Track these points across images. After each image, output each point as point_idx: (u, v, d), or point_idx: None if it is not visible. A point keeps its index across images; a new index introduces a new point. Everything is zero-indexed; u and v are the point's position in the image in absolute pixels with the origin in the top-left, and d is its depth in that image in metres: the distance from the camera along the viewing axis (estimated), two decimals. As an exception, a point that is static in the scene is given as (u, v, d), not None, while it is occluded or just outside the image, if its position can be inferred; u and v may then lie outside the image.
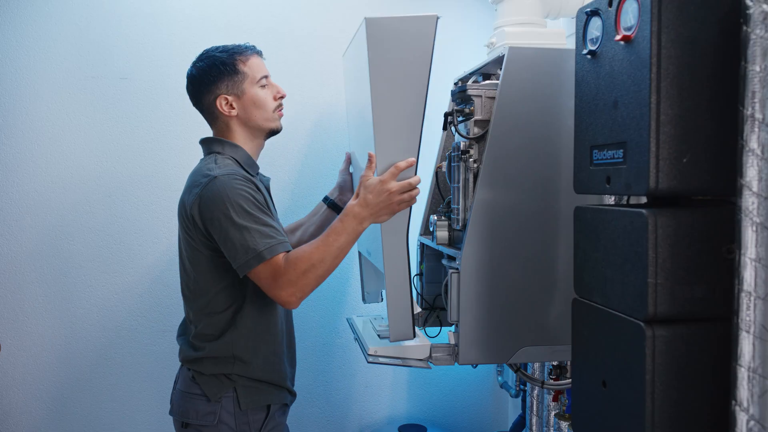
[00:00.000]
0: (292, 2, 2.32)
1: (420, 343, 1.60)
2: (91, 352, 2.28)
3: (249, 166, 1.59)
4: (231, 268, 1.46)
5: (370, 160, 1.49)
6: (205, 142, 1.64)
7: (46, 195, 2.23)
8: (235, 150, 1.59)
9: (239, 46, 1.61)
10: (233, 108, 1.58)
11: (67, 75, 2.22)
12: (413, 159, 1.48)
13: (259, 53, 1.64)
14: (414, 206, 1.51)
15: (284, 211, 2.29)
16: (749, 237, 0.90)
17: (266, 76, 1.62)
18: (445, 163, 1.78)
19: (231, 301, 1.53)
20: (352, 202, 1.48)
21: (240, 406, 1.52)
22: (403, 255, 1.51)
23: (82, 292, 2.27)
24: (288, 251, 1.44)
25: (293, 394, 1.70)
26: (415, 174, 1.50)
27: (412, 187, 1.48)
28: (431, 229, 1.77)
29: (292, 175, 2.36)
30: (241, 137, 1.61)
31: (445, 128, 1.75)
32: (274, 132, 1.65)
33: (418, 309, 1.76)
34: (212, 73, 1.57)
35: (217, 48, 1.60)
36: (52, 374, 2.27)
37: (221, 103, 1.58)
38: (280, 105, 1.64)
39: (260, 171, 1.70)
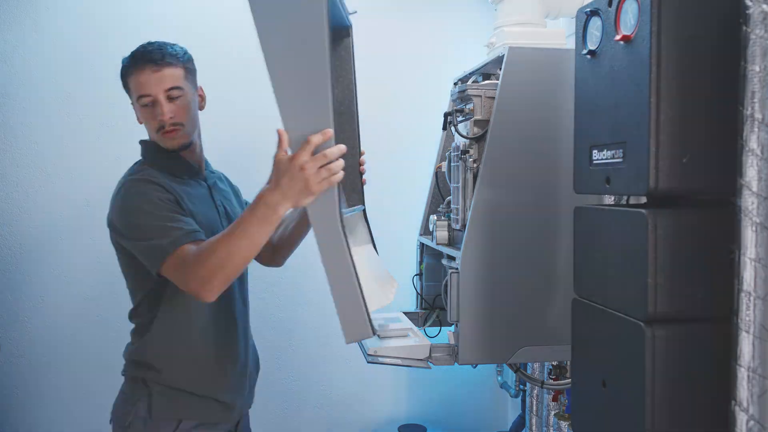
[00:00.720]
0: (292, 2, 2.32)
1: (420, 343, 1.60)
2: (90, 352, 2.28)
3: (183, 169, 1.53)
4: (149, 273, 1.40)
5: (280, 139, 1.29)
6: (141, 144, 1.58)
7: (46, 195, 2.23)
8: (166, 155, 1.51)
9: (128, 60, 1.48)
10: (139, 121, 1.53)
11: (67, 75, 2.22)
12: (330, 130, 1.27)
13: (153, 64, 1.44)
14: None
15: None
16: (749, 237, 0.90)
17: (145, 95, 1.44)
18: (444, 163, 1.78)
19: (150, 306, 1.49)
20: (264, 186, 1.33)
21: (150, 415, 1.45)
22: (339, 241, 1.30)
23: (81, 293, 2.27)
24: (198, 240, 1.36)
25: (232, 407, 1.55)
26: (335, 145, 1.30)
27: (330, 160, 1.26)
28: (431, 229, 1.77)
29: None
30: None
31: (444, 128, 1.74)
32: (171, 149, 1.50)
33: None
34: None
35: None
36: (52, 374, 2.27)
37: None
38: (163, 128, 1.46)
39: (211, 169, 1.65)
